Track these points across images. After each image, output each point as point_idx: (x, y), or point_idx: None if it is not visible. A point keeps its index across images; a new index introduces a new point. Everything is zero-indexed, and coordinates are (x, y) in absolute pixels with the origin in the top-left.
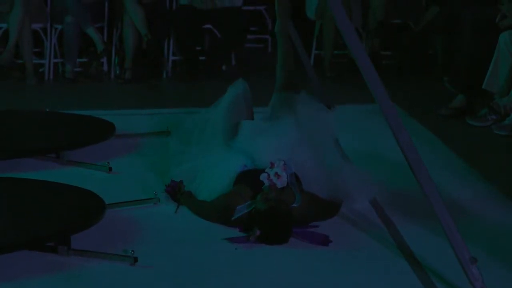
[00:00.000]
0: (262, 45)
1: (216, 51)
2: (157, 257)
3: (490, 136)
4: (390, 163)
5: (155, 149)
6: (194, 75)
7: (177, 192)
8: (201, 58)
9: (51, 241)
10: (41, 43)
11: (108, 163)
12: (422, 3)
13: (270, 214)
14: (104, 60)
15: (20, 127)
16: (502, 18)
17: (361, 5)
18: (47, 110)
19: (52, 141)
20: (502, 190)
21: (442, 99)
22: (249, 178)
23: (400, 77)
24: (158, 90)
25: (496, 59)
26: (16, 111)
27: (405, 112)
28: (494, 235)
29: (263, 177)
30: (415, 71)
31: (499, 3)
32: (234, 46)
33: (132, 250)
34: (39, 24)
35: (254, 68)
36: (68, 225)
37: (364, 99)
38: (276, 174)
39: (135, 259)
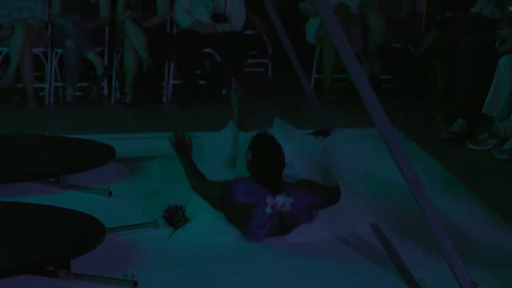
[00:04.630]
0: (262, 69)
1: (216, 75)
2: (157, 281)
3: (490, 160)
4: (390, 187)
5: (155, 173)
6: (194, 99)
7: (173, 218)
8: (201, 82)
9: (51, 265)
10: (41, 67)
11: (108, 187)
12: (421, 27)
13: (263, 141)
14: (105, 84)
15: (20, 151)
16: (502, 43)
17: (361, 29)
18: (48, 134)
19: (52, 165)
20: (502, 214)
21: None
22: None
23: (400, 101)
24: (158, 114)
25: (496, 83)
26: (17, 135)
27: (405, 136)
28: (495, 259)
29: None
30: (415, 95)
31: (499, 27)
32: (234, 70)
33: (132, 274)
34: (40, 48)
35: (254, 92)
36: (68, 249)
37: (364, 123)
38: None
39: (135, 283)
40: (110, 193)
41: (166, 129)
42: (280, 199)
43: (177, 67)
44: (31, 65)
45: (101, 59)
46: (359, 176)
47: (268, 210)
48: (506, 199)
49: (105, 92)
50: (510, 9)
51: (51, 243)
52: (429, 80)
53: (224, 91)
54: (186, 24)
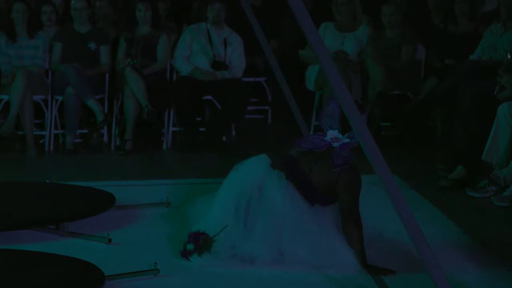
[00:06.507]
0: (262, 116)
1: (216, 122)
2: None
3: (490, 207)
4: (390, 234)
5: (155, 220)
6: (194, 146)
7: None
8: (201, 129)
9: None
10: (41, 114)
11: (107, 234)
12: (421, 74)
13: None
14: (105, 131)
15: (20, 199)
16: (501, 90)
17: (360, 77)
18: (47, 181)
19: (52, 212)
20: (502, 261)
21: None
22: None
23: (400, 148)
24: (158, 161)
25: (495, 130)
26: (16, 183)
27: (405, 183)
28: None
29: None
30: (415, 142)
31: (498, 75)
32: (234, 117)
33: None
34: (41, 95)
35: (254, 139)
36: None
37: (364, 170)
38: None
39: None
40: (110, 240)
41: (165, 176)
42: (334, 132)
43: (177, 114)
44: (31, 112)
45: (101, 106)
46: None
47: (336, 144)
48: (506, 246)
49: (105, 139)
50: (509, 57)
51: None
52: (428, 127)
53: (223, 138)
54: (186, 72)
